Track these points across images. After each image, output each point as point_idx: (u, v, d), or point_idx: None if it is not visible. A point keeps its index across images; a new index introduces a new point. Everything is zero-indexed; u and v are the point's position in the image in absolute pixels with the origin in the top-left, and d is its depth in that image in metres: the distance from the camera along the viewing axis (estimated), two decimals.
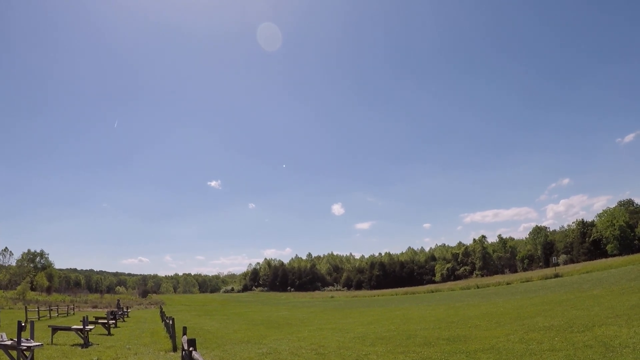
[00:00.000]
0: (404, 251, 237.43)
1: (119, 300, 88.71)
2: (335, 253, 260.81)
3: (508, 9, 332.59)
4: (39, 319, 46.55)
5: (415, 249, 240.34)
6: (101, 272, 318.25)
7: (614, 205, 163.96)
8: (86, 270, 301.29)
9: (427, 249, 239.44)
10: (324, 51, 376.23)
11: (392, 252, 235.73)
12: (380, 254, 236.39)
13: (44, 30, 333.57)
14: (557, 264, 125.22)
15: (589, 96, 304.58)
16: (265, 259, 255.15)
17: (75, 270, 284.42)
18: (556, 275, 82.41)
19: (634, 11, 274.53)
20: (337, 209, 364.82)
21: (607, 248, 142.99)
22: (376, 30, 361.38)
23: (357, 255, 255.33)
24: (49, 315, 52.44)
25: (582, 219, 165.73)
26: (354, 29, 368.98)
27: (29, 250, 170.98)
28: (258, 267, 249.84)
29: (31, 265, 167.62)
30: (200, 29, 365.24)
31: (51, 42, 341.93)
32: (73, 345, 23.84)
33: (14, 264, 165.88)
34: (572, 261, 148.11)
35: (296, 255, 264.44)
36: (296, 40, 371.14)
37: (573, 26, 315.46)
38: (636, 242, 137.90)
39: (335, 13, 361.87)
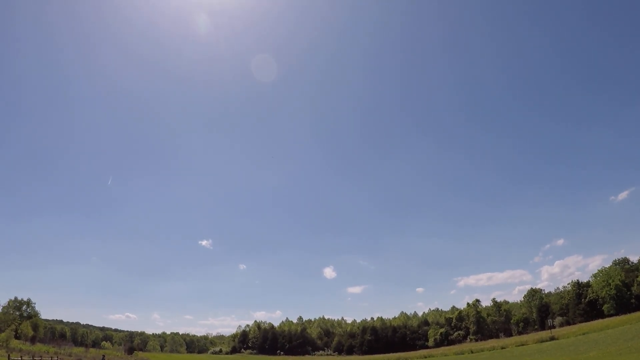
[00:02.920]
0: (396, 316, 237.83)
1: (104, 356, 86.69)
2: (326, 317, 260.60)
3: (485, 82, 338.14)
4: None
5: (408, 313, 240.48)
6: (87, 326, 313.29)
7: (609, 265, 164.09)
8: (72, 322, 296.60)
9: (420, 314, 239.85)
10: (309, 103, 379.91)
11: (385, 316, 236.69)
12: (372, 318, 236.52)
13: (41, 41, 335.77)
14: (553, 327, 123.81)
15: (579, 158, 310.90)
16: (255, 321, 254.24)
17: (61, 321, 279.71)
18: (552, 338, 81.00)
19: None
20: (328, 272, 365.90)
21: (603, 308, 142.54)
22: (388, 78, 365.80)
23: (349, 320, 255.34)
24: None
25: (578, 280, 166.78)
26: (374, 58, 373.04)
27: (15, 298, 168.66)
28: (248, 329, 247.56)
29: (17, 313, 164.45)
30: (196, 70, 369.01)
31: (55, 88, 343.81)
32: None
33: None
34: (568, 323, 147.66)
35: (287, 318, 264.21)
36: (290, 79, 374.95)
37: (573, 74, 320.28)
38: (633, 300, 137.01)
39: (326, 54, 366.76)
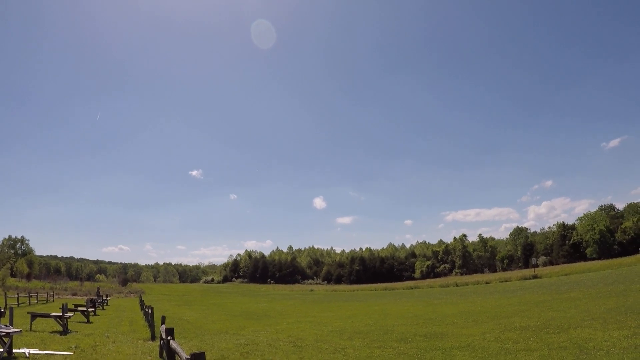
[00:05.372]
0: (384, 247, 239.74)
1: (98, 288, 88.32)
2: (316, 247, 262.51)
3: (500, 10, 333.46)
4: (18, 306, 46.50)
5: (396, 245, 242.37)
6: (82, 260, 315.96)
7: (595, 210, 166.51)
8: (67, 257, 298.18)
9: (407, 246, 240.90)
10: (312, 46, 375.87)
11: (373, 247, 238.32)
12: (360, 249, 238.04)
13: (25, 16, 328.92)
14: (536, 266, 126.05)
15: (576, 99, 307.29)
16: (246, 250, 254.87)
17: (55, 257, 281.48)
18: (535, 277, 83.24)
19: (627, 16, 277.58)
20: (318, 202, 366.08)
21: (586, 252, 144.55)
22: (366, 26, 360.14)
23: (338, 250, 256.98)
24: (28, 301, 52.34)
25: (563, 222, 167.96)
26: (343, 25, 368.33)
27: (9, 237, 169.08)
28: (239, 258, 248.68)
29: (11, 251, 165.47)
30: (188, 19, 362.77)
31: (36, 30, 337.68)
32: (52, 332, 23.94)
33: None
34: (551, 263, 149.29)
35: (277, 247, 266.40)
36: (285, 35, 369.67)
37: (566, 29, 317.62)
38: (616, 246, 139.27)
39: (324, 8, 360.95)
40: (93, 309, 37.67)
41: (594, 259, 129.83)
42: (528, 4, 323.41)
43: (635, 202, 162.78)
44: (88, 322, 31.05)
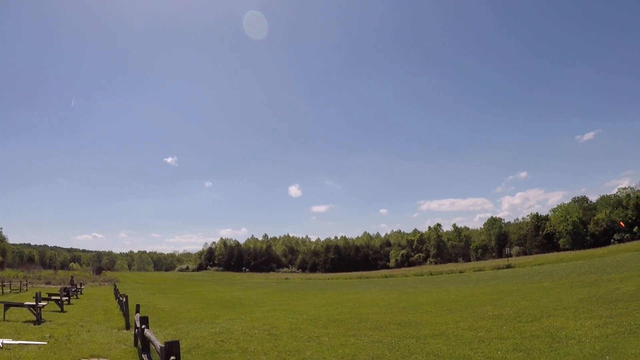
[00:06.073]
0: (359, 236, 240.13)
1: (72, 277, 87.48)
2: (291, 235, 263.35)
3: (468, 7, 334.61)
4: None
5: (371, 234, 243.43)
6: (55, 248, 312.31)
7: (568, 201, 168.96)
8: (40, 245, 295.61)
9: (382, 235, 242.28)
10: (286, 39, 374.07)
11: (348, 236, 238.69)
12: (336, 237, 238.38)
13: None
14: (510, 255, 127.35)
15: (552, 93, 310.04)
16: (221, 238, 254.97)
17: (29, 245, 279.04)
18: (508, 266, 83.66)
19: (594, 12, 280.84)
20: (294, 190, 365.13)
21: (559, 242, 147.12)
22: (336, 22, 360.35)
23: (313, 238, 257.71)
24: (1, 291, 51.59)
25: (537, 213, 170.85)
26: (316, 23, 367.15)
27: None
28: (214, 246, 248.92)
29: None
30: (173, 10, 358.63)
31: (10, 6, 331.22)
32: (25, 321, 23.67)
33: None
34: (524, 253, 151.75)
35: (252, 235, 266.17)
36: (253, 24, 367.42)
37: (539, 25, 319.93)
38: (588, 237, 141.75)
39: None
40: (67, 298, 37.32)
41: (566, 250, 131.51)
42: (498, 3, 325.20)
43: (608, 194, 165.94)
44: (62, 311, 30.75)
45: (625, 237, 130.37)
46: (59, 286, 63.86)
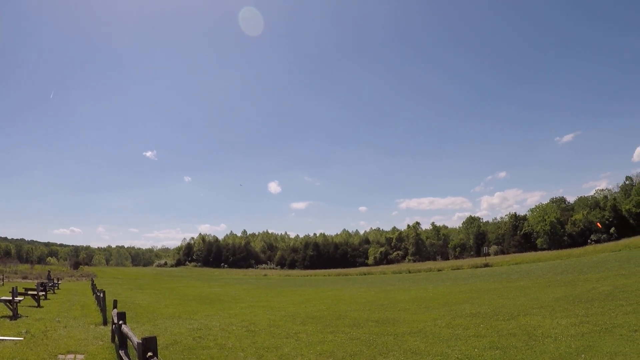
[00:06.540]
0: (338, 233, 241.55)
1: (49, 272, 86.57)
2: (270, 231, 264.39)
3: (460, 2, 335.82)
4: None
5: (350, 231, 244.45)
6: (32, 242, 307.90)
7: (546, 202, 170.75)
8: (17, 239, 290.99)
9: (361, 232, 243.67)
10: (269, 31, 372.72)
11: (327, 233, 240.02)
12: (315, 234, 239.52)
13: None
14: (488, 254, 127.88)
15: (532, 94, 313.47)
16: (200, 234, 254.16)
17: (5, 239, 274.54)
18: (486, 265, 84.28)
19: (582, 11, 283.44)
20: (273, 187, 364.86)
21: (537, 242, 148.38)
22: (322, 14, 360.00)
23: (292, 235, 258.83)
24: None
25: (515, 213, 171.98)
26: (301, 14, 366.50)
27: None
28: (192, 242, 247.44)
29: None
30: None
31: None
32: (1, 317, 23.40)
33: None
34: (502, 252, 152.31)
35: (231, 231, 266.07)
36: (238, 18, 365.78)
37: (523, 23, 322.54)
38: (565, 238, 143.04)
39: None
40: (44, 293, 36.97)
41: (544, 250, 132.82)
42: None
43: (585, 195, 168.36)
44: (39, 306, 30.45)
45: (602, 237, 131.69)
46: (36, 281, 63.21)
